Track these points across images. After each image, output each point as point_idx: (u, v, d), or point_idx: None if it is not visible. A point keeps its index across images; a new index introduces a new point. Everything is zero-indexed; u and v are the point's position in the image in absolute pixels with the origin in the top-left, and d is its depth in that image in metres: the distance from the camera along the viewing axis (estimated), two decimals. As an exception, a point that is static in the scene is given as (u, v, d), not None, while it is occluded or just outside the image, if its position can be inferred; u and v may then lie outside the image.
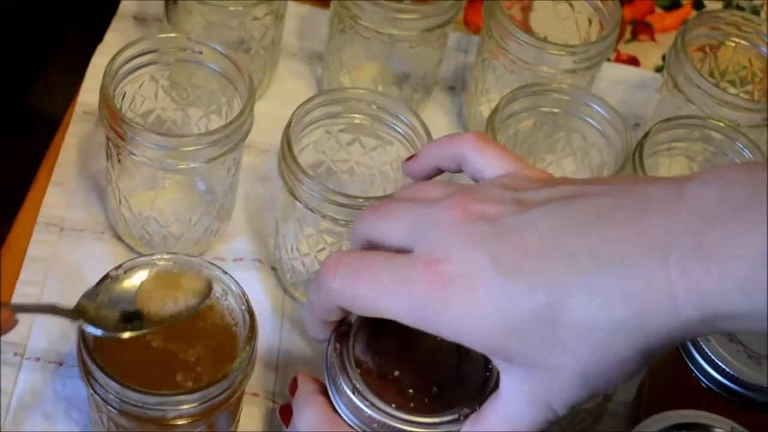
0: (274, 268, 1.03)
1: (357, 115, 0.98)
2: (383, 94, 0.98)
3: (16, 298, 0.98)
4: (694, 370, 0.90)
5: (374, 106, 0.98)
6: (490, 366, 0.82)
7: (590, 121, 1.02)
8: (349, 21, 1.07)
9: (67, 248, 1.01)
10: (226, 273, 0.86)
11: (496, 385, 0.81)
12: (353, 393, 0.80)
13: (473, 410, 0.80)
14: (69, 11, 1.21)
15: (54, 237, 1.02)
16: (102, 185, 1.04)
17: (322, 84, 1.17)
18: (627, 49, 1.27)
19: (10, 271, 0.99)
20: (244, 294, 0.85)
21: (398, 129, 0.98)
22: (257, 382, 0.96)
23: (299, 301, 1.02)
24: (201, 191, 1.01)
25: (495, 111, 0.99)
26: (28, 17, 1.18)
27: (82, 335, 0.81)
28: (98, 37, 1.17)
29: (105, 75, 0.93)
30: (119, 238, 1.03)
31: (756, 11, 1.31)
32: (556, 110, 1.03)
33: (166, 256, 0.86)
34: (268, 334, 0.99)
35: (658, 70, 1.26)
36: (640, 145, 0.99)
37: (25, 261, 1.00)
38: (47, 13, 1.21)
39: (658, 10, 1.31)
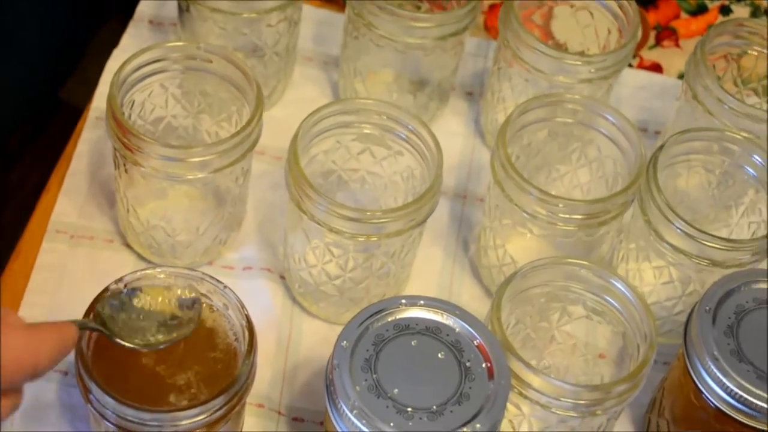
0: (283, 277, 1.03)
1: (367, 125, 0.98)
2: (393, 104, 0.97)
3: (25, 306, 0.98)
4: (703, 390, 0.88)
5: (384, 116, 0.97)
6: (493, 385, 0.82)
7: (604, 131, 1.01)
8: (363, 29, 1.06)
9: (77, 256, 1.01)
10: (226, 287, 0.85)
11: (499, 405, 0.81)
12: (351, 411, 0.79)
13: (474, 429, 0.80)
14: (108, 6, 1.22)
15: (64, 245, 1.02)
16: (113, 192, 1.04)
17: (337, 90, 1.16)
18: (650, 56, 1.25)
19: (20, 278, 1.00)
20: (243, 308, 0.85)
21: (408, 140, 0.97)
22: (263, 392, 0.96)
23: (307, 310, 1.01)
24: (209, 201, 1.00)
25: (506, 122, 0.97)
26: (67, 13, 1.18)
27: (80, 351, 0.81)
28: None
29: (112, 85, 0.93)
30: (129, 246, 1.03)
31: (785, 17, 1.29)
32: (569, 120, 1.02)
33: (167, 269, 0.86)
34: (276, 344, 0.99)
35: (682, 76, 1.24)
36: (654, 159, 0.97)
37: (35, 268, 1.00)
38: (87, 7, 1.22)
39: (684, 15, 1.29)
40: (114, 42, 1.15)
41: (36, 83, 1.18)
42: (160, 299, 0.83)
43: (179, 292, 0.84)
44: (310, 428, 0.95)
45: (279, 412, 0.96)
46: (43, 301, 0.98)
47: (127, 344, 0.81)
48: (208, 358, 0.84)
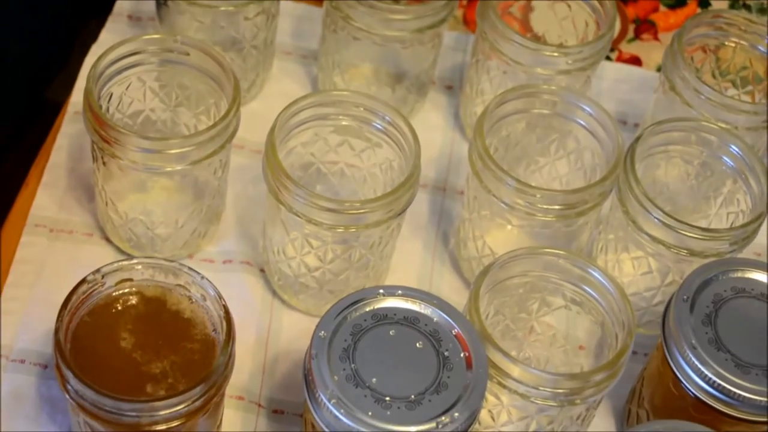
0: (263, 270, 1.03)
1: (344, 117, 0.98)
2: (370, 95, 0.97)
3: (4, 300, 0.97)
4: (682, 380, 0.89)
5: (361, 108, 0.97)
6: (471, 374, 0.82)
7: (581, 122, 1.01)
8: (341, 22, 1.06)
9: (56, 250, 1.01)
10: (204, 278, 0.85)
11: (477, 394, 0.81)
12: (329, 400, 0.79)
13: (452, 419, 0.80)
14: (93, 5, 1.22)
15: (43, 239, 1.01)
16: (93, 186, 1.04)
17: (316, 84, 1.16)
18: (629, 49, 1.26)
19: (-1, 272, 1.00)
20: (221, 298, 0.85)
21: (386, 131, 0.97)
22: (242, 385, 0.96)
23: (287, 303, 1.01)
24: (187, 193, 1.00)
25: (484, 114, 0.98)
26: (52, 12, 1.18)
27: (58, 341, 0.81)
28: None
29: (88, 78, 0.93)
30: (108, 240, 1.02)
31: (763, 10, 1.29)
32: (547, 112, 1.02)
33: (144, 261, 0.85)
34: (256, 337, 0.99)
35: (661, 69, 1.24)
36: (631, 149, 0.97)
37: (14, 262, 1.00)
38: (72, 8, 1.22)
39: (663, 9, 1.30)
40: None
41: (22, 82, 1.18)
42: None
43: None
44: (290, 420, 0.95)
45: (259, 405, 0.95)
46: (23, 295, 0.98)
47: None
48: (185, 348, 0.84)
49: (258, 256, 1.03)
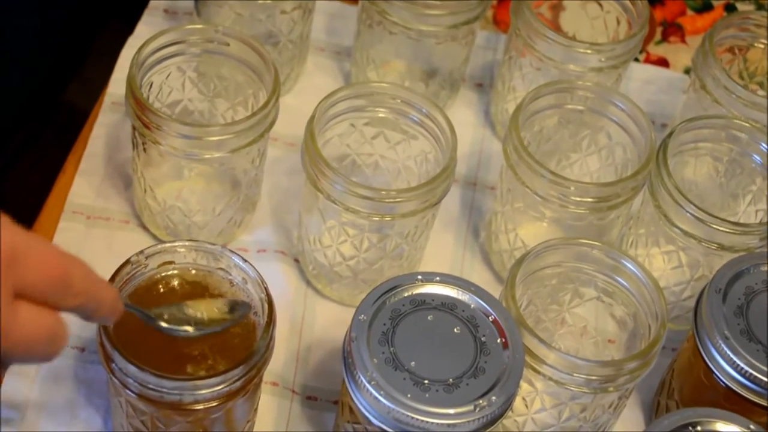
0: (297, 260, 1.04)
1: (381, 109, 0.99)
2: (407, 88, 0.98)
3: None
4: (714, 370, 0.90)
5: (399, 100, 0.98)
6: (508, 359, 0.83)
7: (614, 119, 1.02)
8: (377, 17, 1.08)
9: (93, 237, 1.02)
10: (246, 261, 0.86)
11: (514, 379, 0.82)
12: (369, 382, 0.80)
13: (490, 402, 0.81)
14: (108, 8, 1.23)
15: (80, 225, 1.03)
16: (129, 175, 1.05)
17: (349, 79, 1.18)
18: (657, 51, 1.27)
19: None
20: (262, 281, 0.86)
21: (423, 123, 0.99)
22: (277, 371, 0.97)
23: (321, 292, 1.02)
24: (225, 182, 1.02)
25: (519, 108, 0.99)
26: (66, 15, 1.20)
27: (102, 320, 0.82)
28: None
29: (132, 65, 0.94)
30: (145, 227, 1.04)
31: (788, 14, 1.31)
32: (580, 108, 1.03)
33: (187, 243, 0.87)
34: (290, 325, 1.00)
35: (688, 71, 1.25)
36: (663, 144, 0.99)
37: (52, 248, 1.01)
38: (85, 11, 1.23)
39: (690, 12, 1.31)
40: (116, 45, 1.17)
41: (37, 86, 1.19)
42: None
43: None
44: (323, 407, 0.96)
45: (293, 391, 0.97)
46: (61, 280, 0.99)
47: (166, 326, 0.81)
48: (226, 331, 0.85)
49: (292, 246, 1.05)
